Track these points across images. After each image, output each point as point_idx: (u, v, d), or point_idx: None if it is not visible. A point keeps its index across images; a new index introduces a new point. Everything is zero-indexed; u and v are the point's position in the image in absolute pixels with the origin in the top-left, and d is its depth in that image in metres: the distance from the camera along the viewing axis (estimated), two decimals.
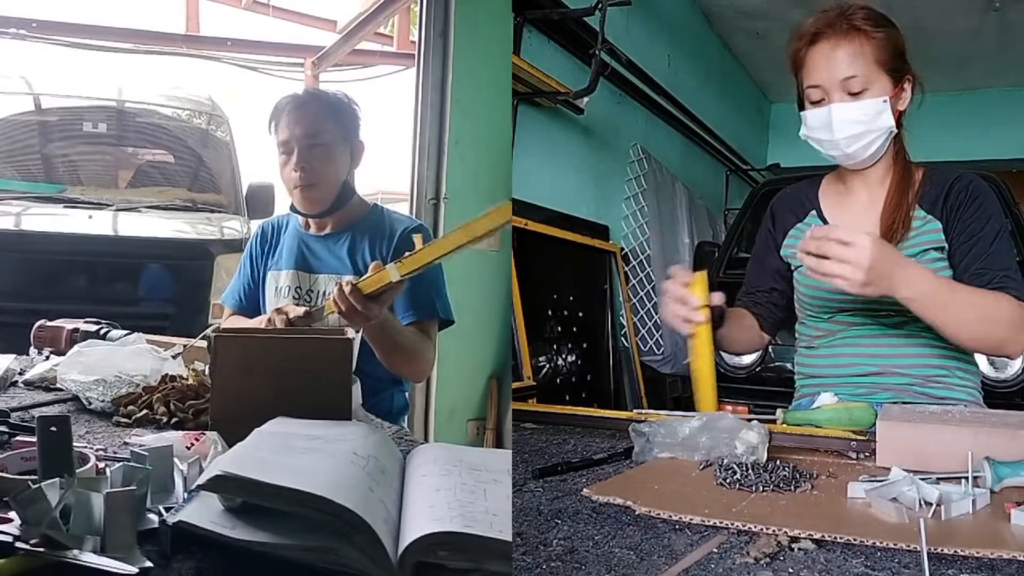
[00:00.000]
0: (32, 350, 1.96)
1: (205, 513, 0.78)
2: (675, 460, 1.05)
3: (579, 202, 4.19)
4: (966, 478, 0.89)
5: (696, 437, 1.05)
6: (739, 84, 6.92)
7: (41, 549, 0.72)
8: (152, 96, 4.94)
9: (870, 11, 1.35)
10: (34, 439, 0.88)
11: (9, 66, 5.03)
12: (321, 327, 1.79)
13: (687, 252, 5.05)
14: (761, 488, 0.92)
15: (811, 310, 1.48)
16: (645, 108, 4.89)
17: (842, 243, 1.13)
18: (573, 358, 3.81)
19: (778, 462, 1.00)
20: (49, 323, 1.99)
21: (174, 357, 1.62)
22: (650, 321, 4.51)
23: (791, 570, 0.71)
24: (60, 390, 1.51)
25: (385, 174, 6.64)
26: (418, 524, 0.76)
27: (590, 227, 4.22)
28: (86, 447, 1.05)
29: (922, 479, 0.88)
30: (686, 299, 1.29)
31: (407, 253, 1.49)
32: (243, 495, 0.77)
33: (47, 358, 1.80)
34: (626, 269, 4.45)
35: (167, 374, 1.49)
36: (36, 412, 1.35)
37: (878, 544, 0.75)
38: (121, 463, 0.88)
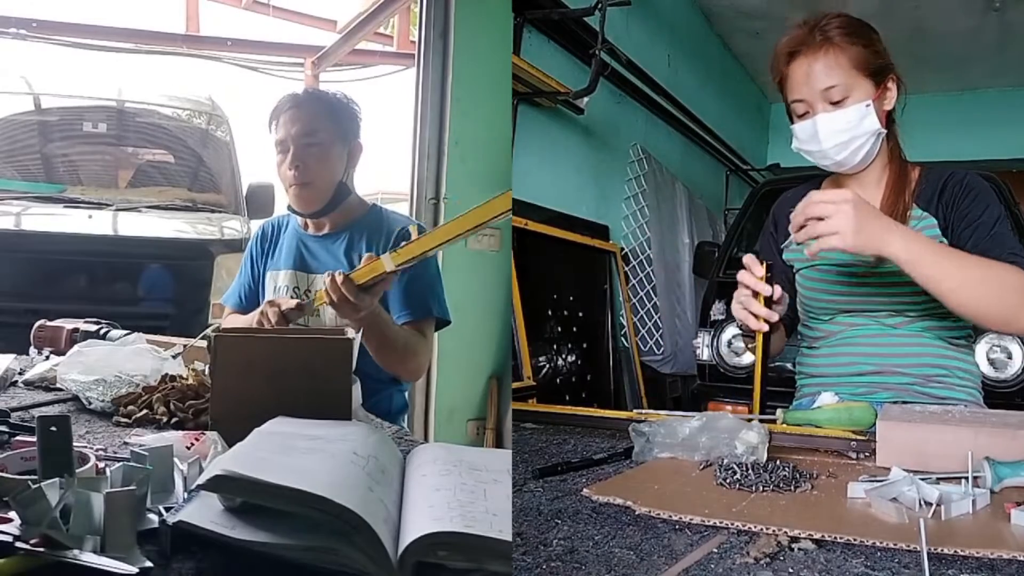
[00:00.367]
0: (32, 350, 1.96)
1: (205, 513, 0.78)
2: (675, 460, 1.05)
3: (579, 202, 4.19)
4: (966, 478, 0.89)
5: (696, 437, 1.05)
6: (739, 84, 6.91)
7: (41, 549, 0.72)
8: (152, 96, 4.94)
9: (843, 19, 1.35)
10: (34, 439, 0.88)
11: (9, 66, 5.04)
12: (318, 325, 1.80)
13: (687, 252, 5.04)
14: (761, 488, 0.92)
15: (813, 312, 1.48)
16: (645, 108, 4.89)
17: (826, 203, 1.16)
18: (573, 358, 3.81)
19: (778, 462, 1.00)
20: (49, 323, 1.99)
21: (174, 357, 1.62)
22: (650, 321, 4.51)
23: (791, 570, 0.71)
24: (60, 390, 1.51)
25: (385, 174, 6.65)
26: (418, 524, 0.76)
27: (590, 227, 4.22)
28: (86, 447, 1.05)
29: (922, 479, 0.88)
30: (763, 293, 1.29)
31: (403, 243, 1.50)
32: (243, 495, 0.77)
33: (47, 358, 1.80)
34: (626, 269, 4.45)
35: (167, 374, 1.49)
36: (36, 412, 1.35)
37: (878, 544, 0.75)
38: (121, 463, 0.88)
